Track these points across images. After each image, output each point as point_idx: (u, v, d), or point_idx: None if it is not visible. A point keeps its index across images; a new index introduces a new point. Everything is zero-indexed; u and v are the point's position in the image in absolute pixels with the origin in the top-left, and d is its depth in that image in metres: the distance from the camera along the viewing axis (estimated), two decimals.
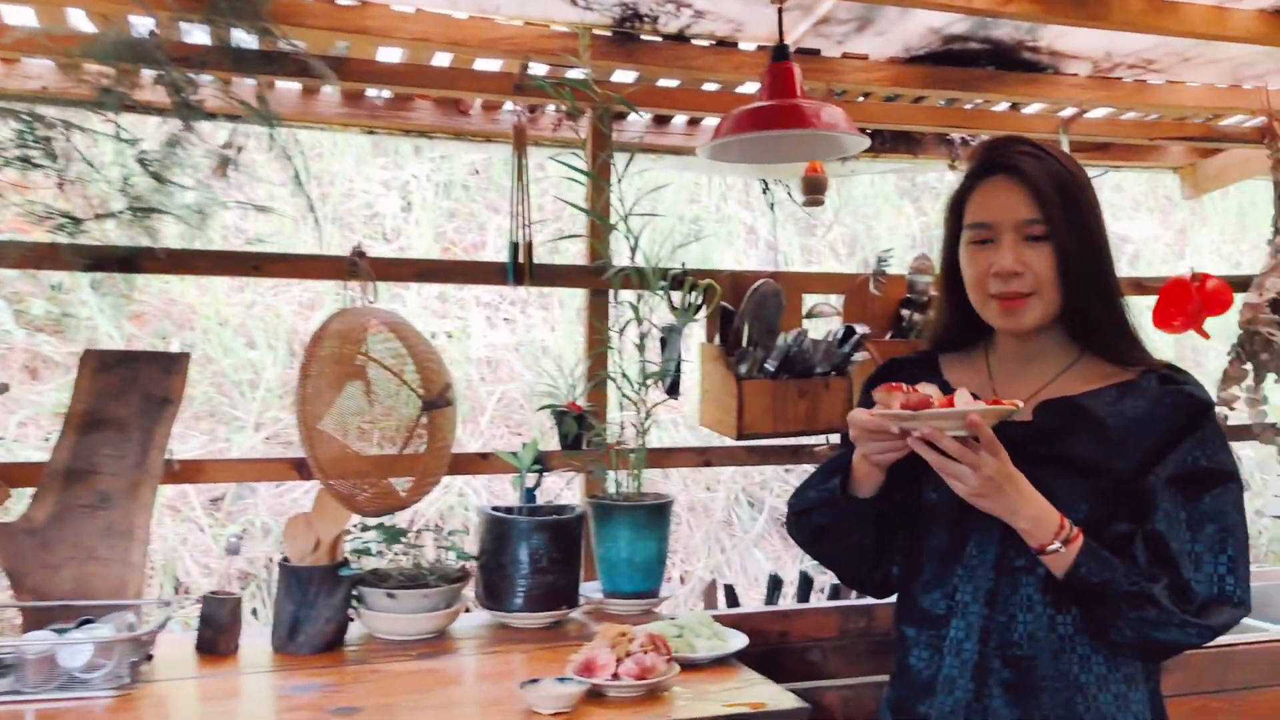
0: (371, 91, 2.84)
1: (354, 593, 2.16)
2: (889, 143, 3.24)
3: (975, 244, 1.42)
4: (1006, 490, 1.28)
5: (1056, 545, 1.29)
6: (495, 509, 2.33)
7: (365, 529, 2.26)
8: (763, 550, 5.24)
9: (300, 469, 2.47)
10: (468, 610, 2.38)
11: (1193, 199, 3.79)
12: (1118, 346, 1.42)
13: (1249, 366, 2.99)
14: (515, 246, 2.61)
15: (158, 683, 1.89)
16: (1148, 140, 3.31)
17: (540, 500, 2.43)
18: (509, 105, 2.86)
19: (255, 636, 2.14)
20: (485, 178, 5.80)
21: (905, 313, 2.95)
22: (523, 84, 2.55)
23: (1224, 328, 3.12)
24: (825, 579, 3.16)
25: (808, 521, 1.48)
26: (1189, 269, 3.00)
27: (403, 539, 2.25)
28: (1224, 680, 2.14)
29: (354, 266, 2.38)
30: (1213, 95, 3.06)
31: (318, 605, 2.08)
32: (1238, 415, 3.00)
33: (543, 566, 2.23)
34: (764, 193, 3.38)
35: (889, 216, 6.34)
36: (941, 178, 6.32)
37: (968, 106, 3.11)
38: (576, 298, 2.89)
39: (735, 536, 5.24)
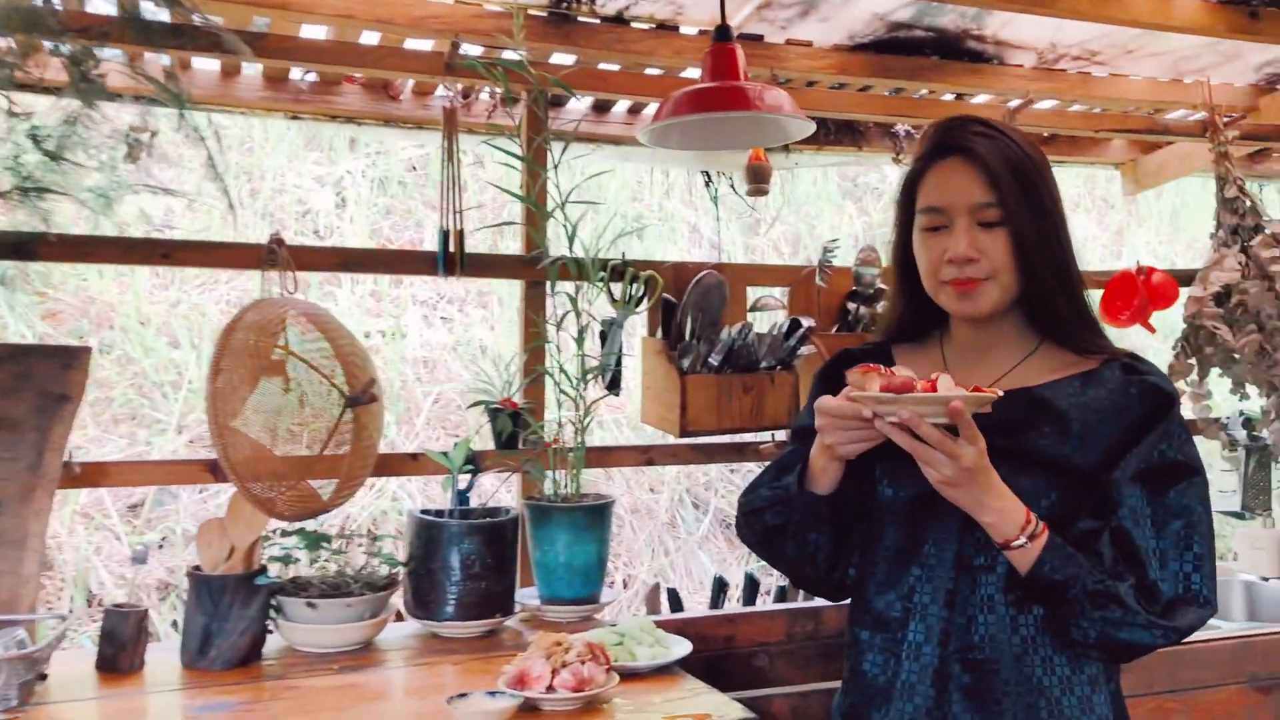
0: (296, 74, 2.70)
1: (272, 603, 2.02)
2: (833, 134, 3.19)
3: (928, 230, 1.35)
4: (979, 480, 1.21)
5: (1022, 540, 1.22)
6: (424, 512, 2.21)
7: (285, 535, 2.13)
8: (707, 552, 5.16)
9: (214, 471, 2.33)
10: (399, 619, 2.26)
11: (1133, 195, 3.80)
12: (1078, 335, 1.37)
13: (1194, 361, 2.99)
14: (445, 235, 2.49)
15: (51, 704, 1.73)
16: (1092, 132, 3.30)
17: (475, 502, 2.31)
18: (441, 90, 2.74)
19: (163, 652, 1.99)
20: (423, 174, 5.65)
21: (851, 306, 2.90)
22: (454, 63, 2.44)
23: (1167, 323, 3.11)
24: (771, 580, 3.09)
25: (760, 521, 1.38)
26: (1135, 262, 2.98)
27: (324, 545, 2.12)
28: (1177, 680, 2.10)
29: (271, 255, 2.24)
30: (1155, 89, 3.06)
31: (231, 617, 1.94)
32: (1182, 410, 2.98)
33: (475, 572, 2.11)
34: (707, 185, 3.30)
35: (831, 215, 6.32)
36: (884, 177, 6.32)
37: (914, 96, 3.06)
38: (516, 296, 2.78)
39: (679, 538, 5.16)
